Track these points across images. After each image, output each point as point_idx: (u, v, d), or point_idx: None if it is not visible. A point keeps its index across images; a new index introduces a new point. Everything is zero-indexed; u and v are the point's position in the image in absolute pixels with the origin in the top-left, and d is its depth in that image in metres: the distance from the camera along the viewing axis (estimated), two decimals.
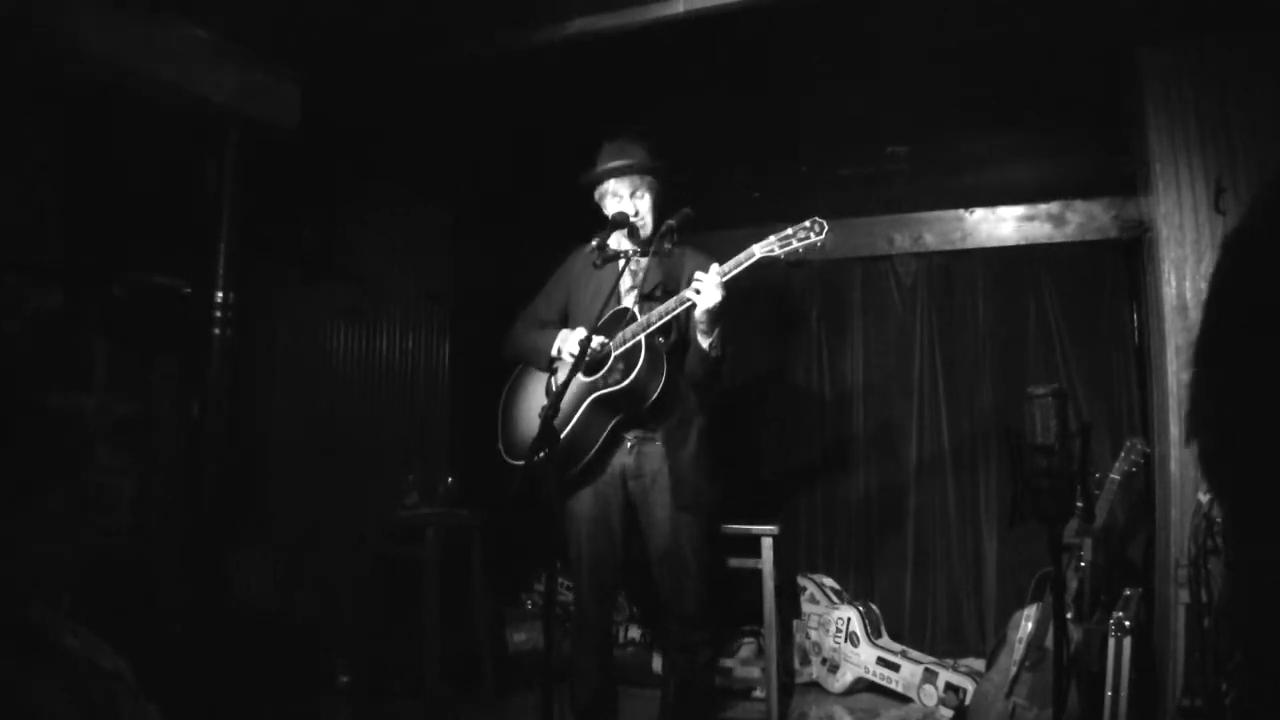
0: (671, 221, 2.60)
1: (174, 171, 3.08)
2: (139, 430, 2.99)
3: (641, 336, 2.48)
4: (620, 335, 2.53)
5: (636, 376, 2.46)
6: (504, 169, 4.40)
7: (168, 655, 2.77)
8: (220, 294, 3.09)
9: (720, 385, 2.67)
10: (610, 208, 2.70)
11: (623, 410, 2.56)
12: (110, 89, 2.81)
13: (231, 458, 3.17)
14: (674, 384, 2.57)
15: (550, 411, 2.06)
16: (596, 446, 2.59)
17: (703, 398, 2.69)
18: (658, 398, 2.52)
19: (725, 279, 2.36)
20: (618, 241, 2.72)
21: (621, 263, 2.69)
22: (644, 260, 2.69)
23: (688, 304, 2.42)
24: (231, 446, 3.17)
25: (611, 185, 2.68)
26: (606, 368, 2.54)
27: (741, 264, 2.37)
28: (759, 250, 2.37)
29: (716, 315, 2.42)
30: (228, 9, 2.90)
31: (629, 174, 2.67)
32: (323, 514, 3.65)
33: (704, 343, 2.47)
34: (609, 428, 2.58)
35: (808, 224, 2.35)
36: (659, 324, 2.47)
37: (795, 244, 2.34)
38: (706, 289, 2.36)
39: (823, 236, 2.32)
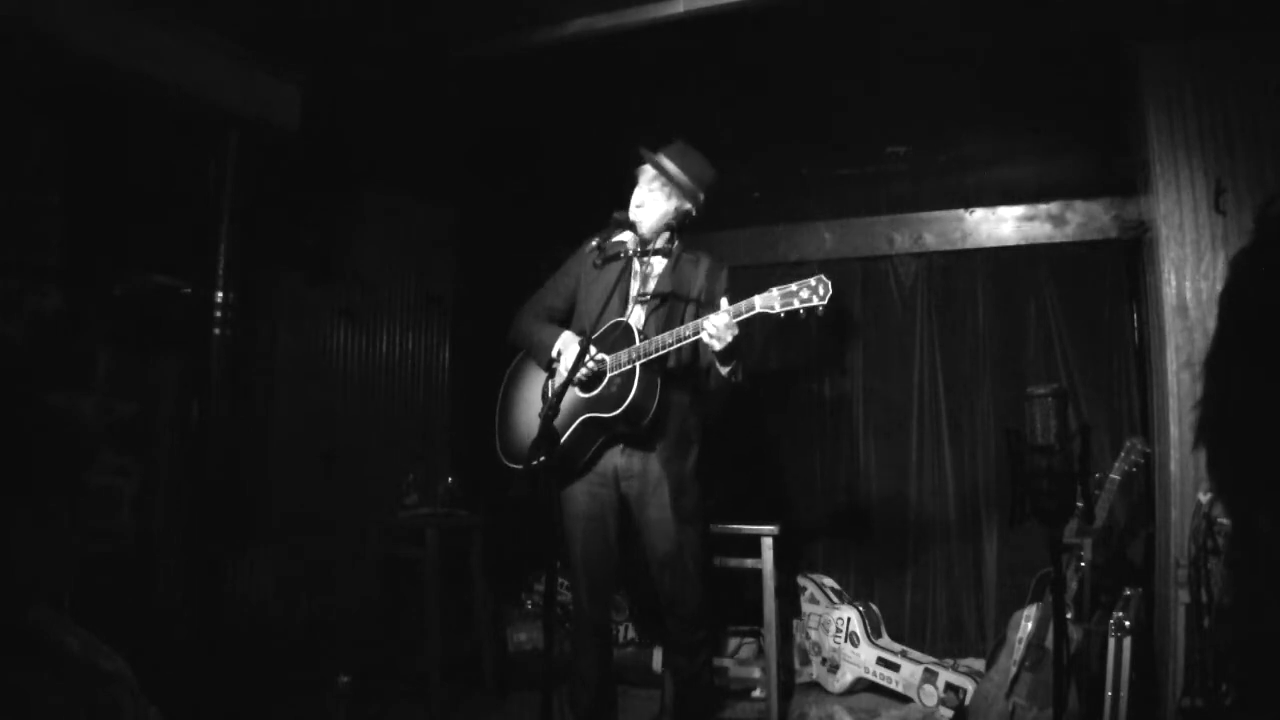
0: (672, 223, 2.60)
1: (174, 172, 3.08)
2: (139, 431, 2.99)
3: (638, 365, 2.46)
4: (616, 357, 2.51)
5: (631, 402, 2.45)
6: (505, 169, 4.40)
7: (168, 656, 2.77)
8: (220, 294, 3.09)
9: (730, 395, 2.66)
10: (634, 192, 2.68)
11: (615, 430, 2.56)
12: (111, 90, 2.81)
13: (231, 458, 3.17)
14: (667, 407, 2.56)
15: (550, 413, 2.06)
16: (587, 458, 2.61)
17: (710, 412, 2.69)
18: (651, 421, 2.52)
19: (737, 320, 2.33)
20: (621, 240, 2.70)
21: (633, 264, 2.67)
22: (653, 263, 2.68)
23: (687, 340, 2.41)
24: (231, 447, 3.17)
25: (645, 169, 2.67)
26: (601, 387, 2.53)
27: (742, 314, 2.33)
28: (759, 303, 2.31)
29: (732, 352, 2.41)
30: (229, 11, 2.90)
31: (662, 174, 2.64)
32: (323, 514, 3.65)
33: (723, 371, 2.47)
34: (600, 442, 2.59)
35: (813, 282, 2.27)
36: (656, 355, 2.45)
37: (797, 304, 2.27)
38: (720, 333, 2.32)
39: (825, 301, 2.24)
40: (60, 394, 2.71)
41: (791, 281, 2.30)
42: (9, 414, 1.05)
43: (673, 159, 2.64)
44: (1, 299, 2.53)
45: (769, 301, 2.30)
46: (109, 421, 2.88)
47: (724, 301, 2.36)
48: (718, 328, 2.32)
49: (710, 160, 2.71)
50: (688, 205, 2.66)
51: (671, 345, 2.42)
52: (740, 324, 2.34)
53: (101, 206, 2.87)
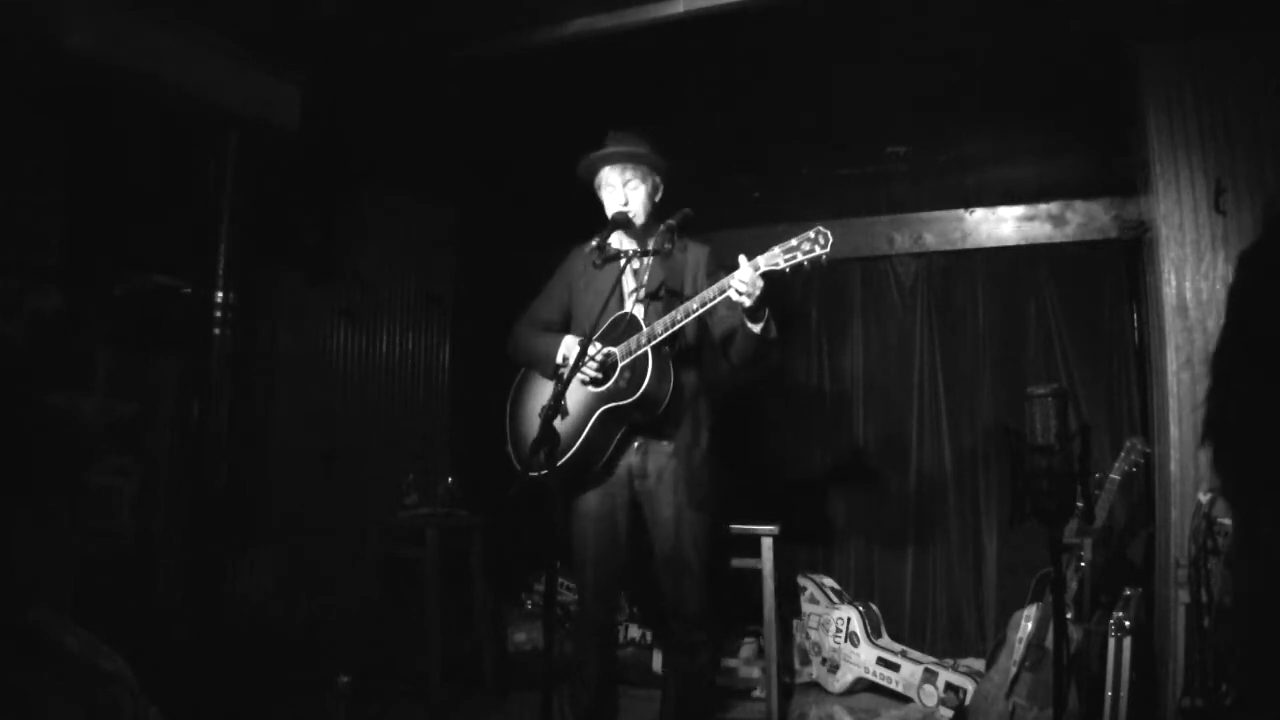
0: (672, 221, 2.59)
1: (175, 172, 3.08)
2: (139, 431, 2.99)
3: (649, 347, 2.45)
4: (625, 345, 2.50)
5: (646, 387, 2.44)
6: (505, 169, 4.40)
7: (168, 656, 2.77)
8: (220, 294, 3.09)
9: (772, 362, 2.58)
10: (606, 199, 2.68)
11: (634, 420, 2.55)
12: (111, 90, 2.81)
13: (232, 458, 3.17)
14: (681, 389, 2.55)
15: (550, 412, 2.05)
16: (608, 454, 2.59)
17: (751, 377, 2.65)
18: (668, 405, 2.51)
19: (762, 271, 2.27)
20: (618, 241, 2.71)
21: (622, 263, 2.67)
22: (646, 260, 2.68)
23: (707, 306, 2.38)
24: (232, 447, 3.17)
25: (605, 173, 2.66)
26: (614, 379, 2.52)
27: (761, 268, 2.27)
28: (763, 263, 2.27)
29: (761, 306, 2.35)
30: (229, 11, 2.90)
31: (621, 161, 2.64)
32: (323, 514, 3.65)
33: (755, 329, 2.40)
34: (619, 436, 2.58)
35: (811, 234, 2.23)
36: (665, 335, 2.44)
37: (800, 256, 2.24)
38: (749, 287, 2.27)
39: (827, 249, 2.21)
40: (60, 394, 2.71)
41: (791, 236, 2.26)
42: (9, 414, 1.05)
43: (625, 144, 2.65)
44: (1, 299, 2.53)
45: (772, 260, 2.27)
46: (109, 421, 2.88)
47: (742, 259, 2.32)
48: (745, 283, 2.27)
49: (708, 159, 2.70)
50: (659, 179, 2.68)
51: (681, 322, 2.40)
52: (764, 277, 2.29)
53: (101, 206, 2.87)
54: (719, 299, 2.35)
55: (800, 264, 2.25)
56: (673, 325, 2.42)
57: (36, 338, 2.60)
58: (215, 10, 2.88)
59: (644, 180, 2.65)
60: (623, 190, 2.64)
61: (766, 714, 3.34)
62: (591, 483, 2.62)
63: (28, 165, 2.69)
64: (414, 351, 4.22)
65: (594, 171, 2.69)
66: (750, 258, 2.31)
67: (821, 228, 2.24)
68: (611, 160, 2.65)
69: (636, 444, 2.60)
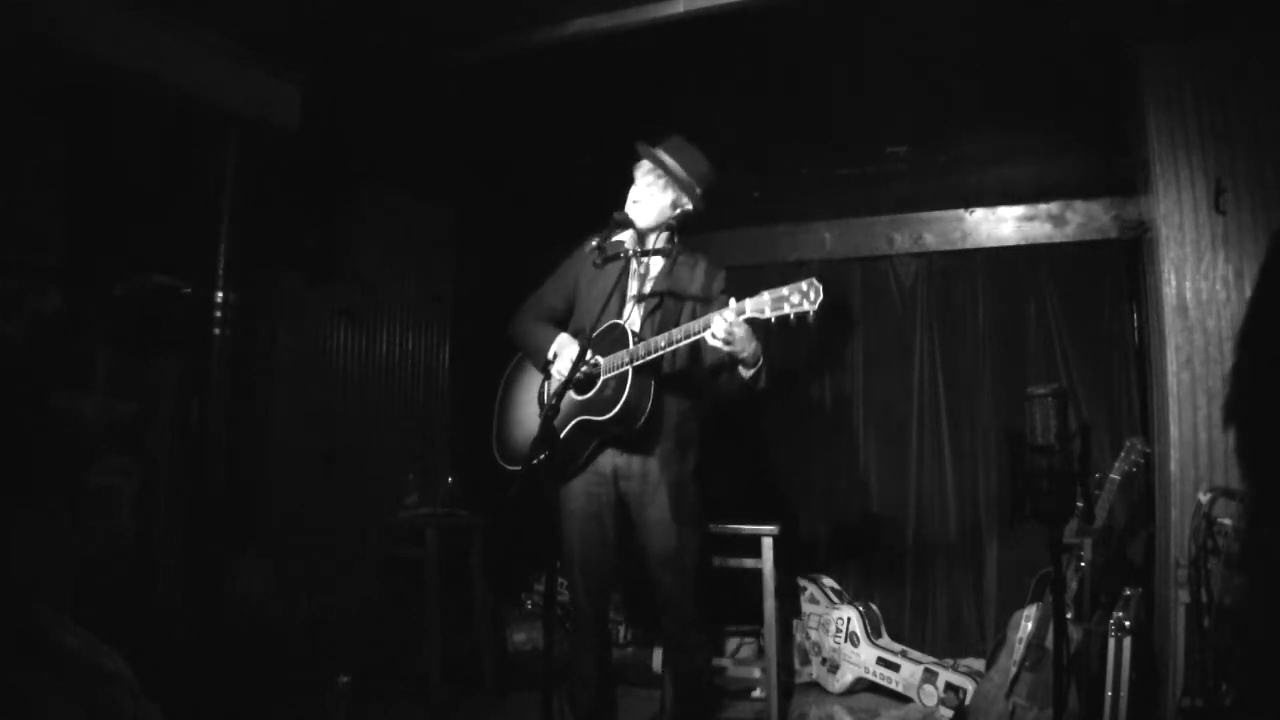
0: (671, 220, 2.59)
1: (175, 172, 3.08)
2: (139, 431, 2.99)
3: (629, 367, 2.44)
4: (611, 360, 2.49)
5: (623, 406, 2.42)
6: (505, 169, 4.40)
7: (168, 656, 2.77)
8: (220, 294, 3.10)
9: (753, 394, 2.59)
10: (630, 192, 2.66)
11: (610, 433, 2.54)
12: (111, 90, 2.81)
13: (232, 458, 3.17)
14: (661, 410, 2.54)
15: (550, 413, 2.06)
16: (583, 459, 2.60)
17: (713, 409, 2.69)
18: (645, 424, 2.50)
19: (742, 317, 2.25)
20: (620, 240, 2.69)
21: (631, 264, 2.65)
22: (650, 262, 2.67)
23: (690, 339, 2.36)
24: (232, 447, 3.17)
25: (640, 167, 2.65)
26: (595, 389, 2.52)
27: (746, 312, 2.25)
28: (749, 307, 2.24)
29: (755, 356, 2.36)
30: (229, 11, 2.90)
31: (659, 167, 2.61)
32: (323, 514, 3.65)
33: (745, 375, 2.41)
34: (594, 444, 2.59)
35: (804, 286, 2.18)
36: (648, 359, 2.42)
37: (788, 309, 2.19)
38: (728, 326, 2.25)
39: (815, 305, 2.17)
40: (60, 394, 2.71)
41: (783, 285, 2.22)
42: (9, 414, 1.05)
43: (669, 153, 2.62)
44: (1, 299, 2.53)
45: (759, 305, 2.23)
46: (109, 421, 2.88)
47: (732, 301, 2.30)
48: (725, 322, 2.26)
49: (710, 159, 2.68)
50: (686, 201, 2.63)
51: (679, 341, 2.37)
52: (748, 323, 2.28)
53: (101, 206, 2.87)
54: (699, 335, 2.33)
55: (786, 316, 2.20)
56: (655, 351, 2.40)
57: (36, 338, 2.60)
58: (215, 10, 2.88)
59: (663, 191, 2.62)
60: (642, 188, 2.63)
61: (766, 714, 3.34)
62: (575, 474, 2.62)
63: (28, 165, 2.69)
64: (414, 351, 4.22)
65: (637, 159, 2.67)
66: (739, 299, 2.27)
67: (815, 280, 2.19)
68: (653, 159, 2.63)
69: (619, 448, 2.59)
